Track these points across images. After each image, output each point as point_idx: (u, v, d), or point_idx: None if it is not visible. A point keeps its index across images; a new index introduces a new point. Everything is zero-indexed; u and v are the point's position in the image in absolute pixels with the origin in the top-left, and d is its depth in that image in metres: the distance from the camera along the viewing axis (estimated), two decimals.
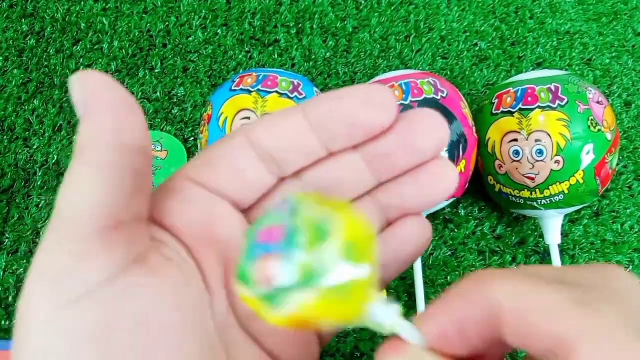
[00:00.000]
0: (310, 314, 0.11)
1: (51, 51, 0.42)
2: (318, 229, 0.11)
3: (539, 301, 0.13)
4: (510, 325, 0.14)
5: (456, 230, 0.36)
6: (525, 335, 0.13)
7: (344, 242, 0.11)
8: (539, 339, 0.13)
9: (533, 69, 0.43)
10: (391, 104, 0.17)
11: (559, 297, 0.13)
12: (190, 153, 0.39)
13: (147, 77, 0.41)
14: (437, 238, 0.36)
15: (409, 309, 0.34)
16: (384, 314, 0.13)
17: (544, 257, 0.36)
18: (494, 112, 0.33)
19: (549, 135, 0.31)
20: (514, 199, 0.33)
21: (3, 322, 0.33)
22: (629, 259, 0.36)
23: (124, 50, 0.42)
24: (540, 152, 0.31)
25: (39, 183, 0.37)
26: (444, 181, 0.18)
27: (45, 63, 0.42)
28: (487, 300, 0.14)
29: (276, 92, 0.31)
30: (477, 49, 0.44)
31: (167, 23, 0.44)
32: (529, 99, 0.32)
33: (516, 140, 0.32)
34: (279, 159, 0.18)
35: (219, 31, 0.44)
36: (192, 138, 0.39)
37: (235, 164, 0.18)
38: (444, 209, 0.37)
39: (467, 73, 0.43)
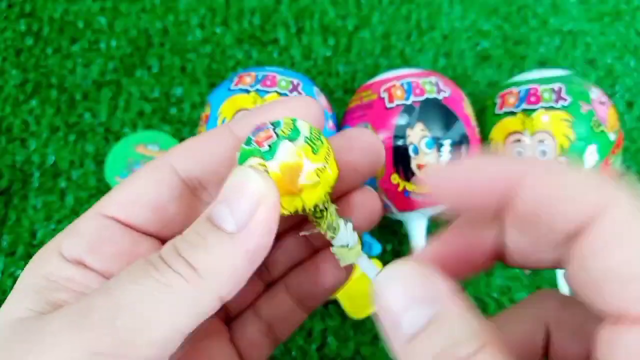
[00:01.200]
0: (294, 164, 0.16)
1: (49, 51, 0.42)
2: (292, 123, 0.16)
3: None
4: (527, 191, 0.13)
5: None
6: (541, 207, 0.13)
7: (310, 131, 0.16)
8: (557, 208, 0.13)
9: (536, 69, 0.43)
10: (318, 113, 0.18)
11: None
12: None
13: (145, 76, 0.41)
14: None
15: None
16: (350, 238, 0.17)
17: None
18: (496, 112, 0.33)
19: (552, 135, 0.30)
20: None
21: None
22: None
23: (121, 50, 0.42)
24: (544, 152, 0.31)
25: (36, 184, 0.37)
26: (370, 212, 0.18)
27: (43, 63, 0.41)
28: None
29: (275, 91, 0.31)
30: (480, 47, 0.43)
31: (165, 22, 0.43)
32: (532, 98, 0.31)
33: (519, 140, 0.31)
34: (207, 183, 0.18)
35: (217, 30, 0.43)
36: None
37: (155, 197, 0.17)
38: None
39: (470, 72, 0.42)
